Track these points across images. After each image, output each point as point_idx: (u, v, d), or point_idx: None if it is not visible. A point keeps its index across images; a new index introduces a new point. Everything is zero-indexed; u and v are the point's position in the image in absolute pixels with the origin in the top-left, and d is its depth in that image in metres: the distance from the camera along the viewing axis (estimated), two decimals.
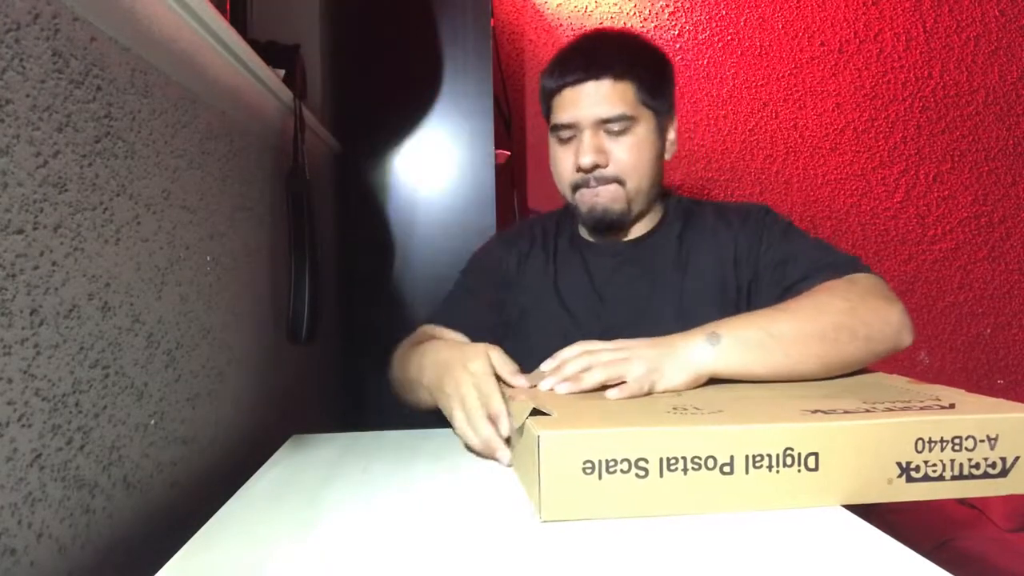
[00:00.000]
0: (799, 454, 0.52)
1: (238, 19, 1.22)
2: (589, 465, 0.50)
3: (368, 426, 0.86)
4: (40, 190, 0.46)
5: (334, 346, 1.44)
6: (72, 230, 0.49)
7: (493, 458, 0.67)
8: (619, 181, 0.90)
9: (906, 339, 0.75)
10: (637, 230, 0.98)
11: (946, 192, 1.91)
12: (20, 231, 0.43)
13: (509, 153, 1.63)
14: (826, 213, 1.89)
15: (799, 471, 0.52)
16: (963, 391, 0.63)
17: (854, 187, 1.89)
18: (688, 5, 1.83)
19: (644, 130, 0.90)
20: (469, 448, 0.70)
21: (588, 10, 1.81)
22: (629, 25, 1.82)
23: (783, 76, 1.86)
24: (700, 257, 0.93)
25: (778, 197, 1.87)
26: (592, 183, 0.91)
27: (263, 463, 0.70)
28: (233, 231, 0.84)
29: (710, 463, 0.51)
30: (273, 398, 0.98)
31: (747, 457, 0.51)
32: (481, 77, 1.47)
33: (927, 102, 1.90)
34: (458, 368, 0.72)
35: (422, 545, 0.49)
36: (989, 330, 1.93)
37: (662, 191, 1.00)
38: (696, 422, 0.53)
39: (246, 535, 0.51)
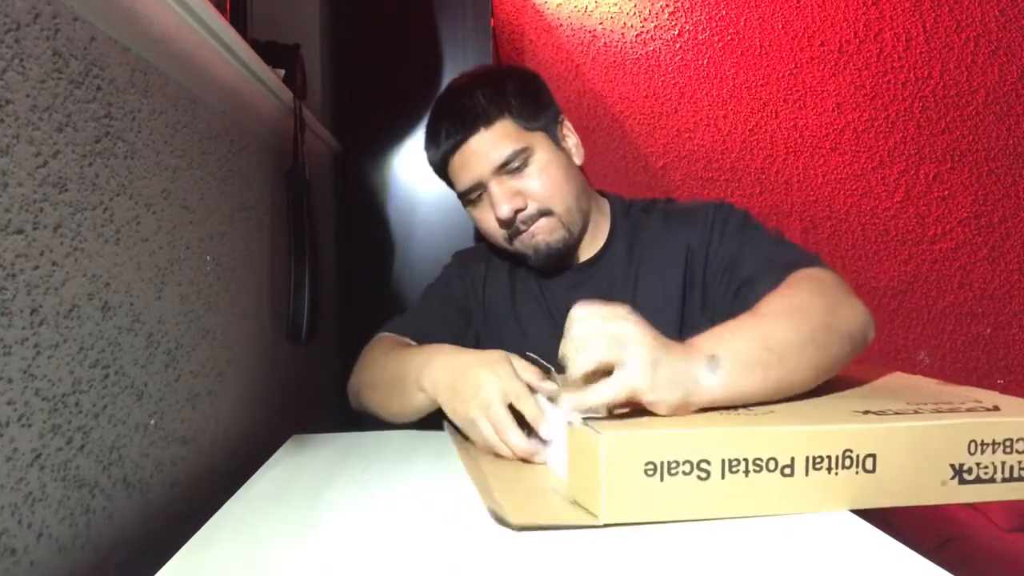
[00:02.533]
0: (857, 456, 0.51)
1: (238, 19, 1.22)
2: (651, 467, 0.49)
3: (368, 426, 0.86)
4: (40, 190, 0.45)
5: (334, 346, 1.44)
6: (72, 230, 0.49)
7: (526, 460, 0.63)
8: (545, 212, 0.87)
9: (872, 334, 0.71)
10: (587, 251, 0.95)
11: (946, 192, 1.91)
12: (20, 231, 0.43)
13: None
14: (826, 213, 1.89)
15: (856, 473, 0.51)
16: (996, 392, 0.62)
17: (854, 187, 1.89)
18: (688, 5, 1.83)
19: (542, 153, 0.87)
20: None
21: (588, 10, 1.81)
22: (629, 25, 1.82)
23: (783, 76, 1.86)
24: (650, 271, 0.90)
25: (778, 197, 1.87)
26: (522, 227, 0.87)
27: (263, 463, 0.70)
28: (233, 231, 0.84)
29: (771, 465, 0.50)
30: (273, 398, 0.98)
31: (808, 459, 0.50)
32: None
33: (927, 102, 1.90)
34: (478, 369, 0.66)
35: (422, 545, 0.49)
36: (989, 330, 1.93)
37: (597, 197, 0.97)
38: (755, 422, 0.52)
39: (246, 535, 0.51)
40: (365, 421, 0.90)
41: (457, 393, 0.67)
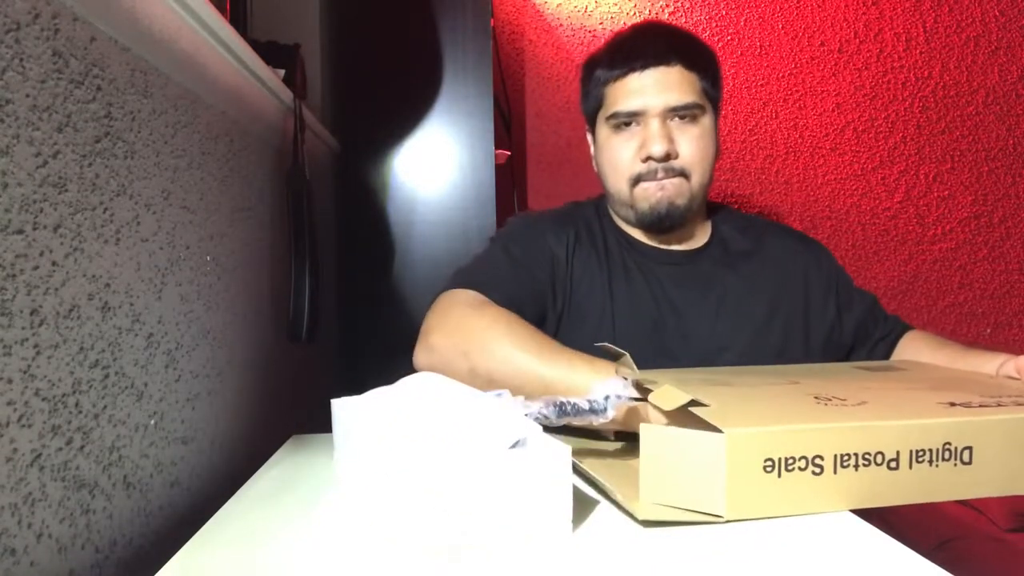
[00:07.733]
0: (955, 448, 0.53)
1: (238, 19, 1.22)
2: (770, 463, 0.50)
3: None
4: (40, 190, 0.45)
5: (334, 346, 1.44)
6: (72, 230, 0.49)
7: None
8: (685, 174, 0.86)
9: None
10: (696, 240, 0.95)
11: (946, 192, 1.91)
12: (20, 231, 0.43)
13: (509, 153, 1.63)
14: (826, 213, 1.89)
15: (955, 465, 0.53)
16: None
17: (854, 187, 1.89)
18: (688, 5, 1.83)
19: (708, 121, 0.87)
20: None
21: (588, 10, 1.81)
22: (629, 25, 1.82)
23: (783, 76, 1.86)
24: (767, 277, 0.93)
25: (778, 197, 1.87)
26: (660, 174, 0.85)
27: (263, 463, 0.70)
28: (233, 231, 0.84)
29: (879, 459, 0.51)
30: (273, 398, 0.98)
31: (911, 452, 0.52)
32: (481, 77, 1.47)
33: (927, 102, 1.89)
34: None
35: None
36: (989, 330, 1.93)
37: None
38: (858, 416, 0.53)
39: (246, 535, 0.51)
40: None
41: None
